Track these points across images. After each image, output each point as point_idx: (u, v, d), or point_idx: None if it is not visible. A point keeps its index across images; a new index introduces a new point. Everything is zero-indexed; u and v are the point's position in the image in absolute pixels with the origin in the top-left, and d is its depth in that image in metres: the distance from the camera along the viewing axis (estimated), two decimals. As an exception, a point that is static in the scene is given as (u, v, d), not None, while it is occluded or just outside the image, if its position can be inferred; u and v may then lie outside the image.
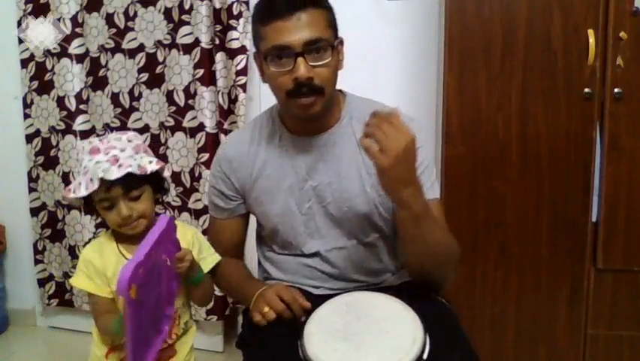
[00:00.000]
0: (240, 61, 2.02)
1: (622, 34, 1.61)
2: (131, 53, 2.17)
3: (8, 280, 2.49)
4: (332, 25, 1.11)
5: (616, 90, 1.64)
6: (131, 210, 1.13)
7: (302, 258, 1.24)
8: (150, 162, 1.15)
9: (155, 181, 1.20)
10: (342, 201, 1.18)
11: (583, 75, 1.64)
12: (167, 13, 2.09)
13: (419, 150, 1.02)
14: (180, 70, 2.08)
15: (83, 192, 1.11)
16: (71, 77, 2.22)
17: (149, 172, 1.14)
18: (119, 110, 2.23)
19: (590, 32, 1.62)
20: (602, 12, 1.61)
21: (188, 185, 2.17)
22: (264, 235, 1.30)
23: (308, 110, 1.10)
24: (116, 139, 1.15)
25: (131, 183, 1.12)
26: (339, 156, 1.19)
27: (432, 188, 1.17)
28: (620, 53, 1.62)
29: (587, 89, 1.64)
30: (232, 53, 2.03)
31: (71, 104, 2.24)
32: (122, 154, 1.12)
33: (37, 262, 2.44)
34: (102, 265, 1.18)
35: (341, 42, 1.15)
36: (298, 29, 1.04)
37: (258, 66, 1.16)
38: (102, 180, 1.09)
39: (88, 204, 1.18)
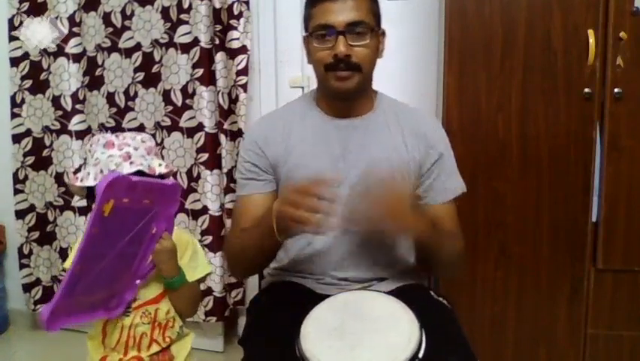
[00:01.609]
0: (241, 61, 2.01)
1: (622, 34, 1.61)
2: (128, 53, 2.16)
3: (8, 280, 2.47)
4: (374, 12, 1.20)
5: (616, 90, 1.64)
6: None
7: (315, 241, 1.24)
8: (160, 165, 1.18)
9: None
10: (370, 184, 1.21)
11: (583, 75, 1.65)
12: (165, 12, 2.08)
13: (451, 151, 1.31)
14: (178, 69, 2.07)
15: (91, 182, 1.13)
16: (68, 77, 2.20)
17: (157, 173, 1.17)
18: (114, 109, 2.21)
19: (590, 32, 1.62)
20: (602, 12, 1.62)
21: (185, 186, 2.15)
22: None
23: (344, 84, 1.17)
24: (131, 138, 1.19)
25: None
26: (371, 141, 1.25)
27: (454, 190, 1.31)
28: (620, 53, 1.62)
29: (587, 89, 1.65)
30: (232, 53, 2.02)
31: (67, 104, 2.22)
32: (135, 152, 1.15)
33: (22, 266, 2.38)
34: None
35: (383, 33, 1.24)
36: (342, 11, 1.15)
37: (305, 48, 1.25)
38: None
39: (90, 196, 1.19)
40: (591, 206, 1.71)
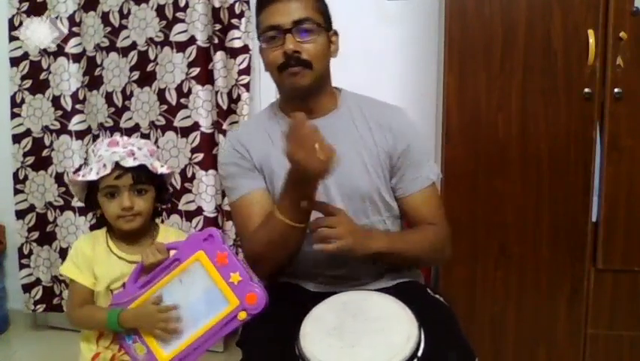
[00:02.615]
0: (243, 60, 2.01)
1: (622, 34, 1.61)
2: (125, 52, 2.16)
3: (8, 280, 2.46)
4: (321, 11, 1.23)
5: (616, 90, 1.64)
6: (133, 203, 1.19)
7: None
8: (162, 166, 1.23)
9: (159, 190, 1.26)
10: (345, 182, 1.23)
11: (583, 75, 1.64)
12: (160, 10, 2.07)
13: (420, 141, 1.29)
14: (173, 68, 2.06)
15: (93, 176, 1.16)
16: (68, 77, 2.19)
17: (159, 172, 1.21)
18: (112, 109, 2.21)
19: (590, 32, 1.61)
20: (602, 12, 1.61)
21: (178, 186, 2.13)
22: None
23: (297, 79, 1.19)
24: (135, 140, 1.23)
25: (140, 177, 1.19)
26: (339, 139, 1.22)
27: (427, 177, 1.28)
28: (620, 53, 1.62)
29: (587, 89, 1.64)
30: (233, 53, 2.02)
31: (67, 104, 2.21)
32: (138, 151, 1.19)
33: (22, 266, 2.36)
34: (92, 255, 1.24)
35: (335, 33, 1.28)
36: (288, 10, 1.18)
37: (262, 59, 1.26)
38: (115, 167, 1.15)
39: (89, 194, 1.23)
40: (591, 206, 1.71)
